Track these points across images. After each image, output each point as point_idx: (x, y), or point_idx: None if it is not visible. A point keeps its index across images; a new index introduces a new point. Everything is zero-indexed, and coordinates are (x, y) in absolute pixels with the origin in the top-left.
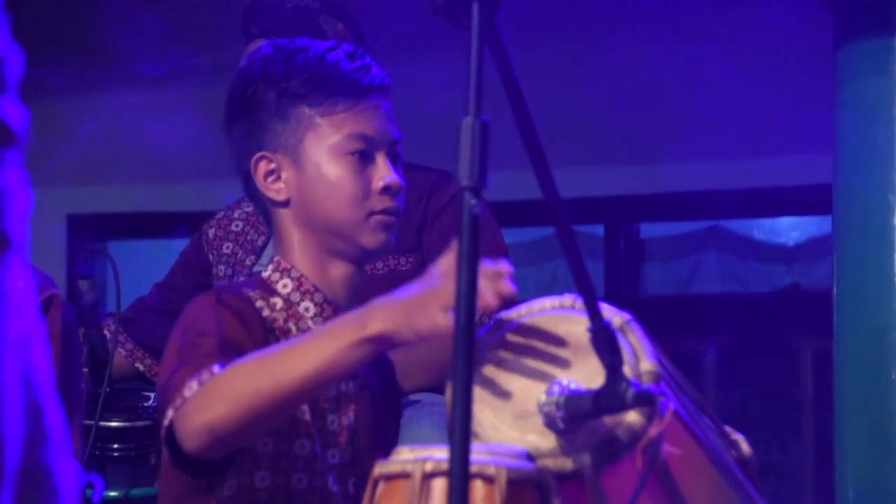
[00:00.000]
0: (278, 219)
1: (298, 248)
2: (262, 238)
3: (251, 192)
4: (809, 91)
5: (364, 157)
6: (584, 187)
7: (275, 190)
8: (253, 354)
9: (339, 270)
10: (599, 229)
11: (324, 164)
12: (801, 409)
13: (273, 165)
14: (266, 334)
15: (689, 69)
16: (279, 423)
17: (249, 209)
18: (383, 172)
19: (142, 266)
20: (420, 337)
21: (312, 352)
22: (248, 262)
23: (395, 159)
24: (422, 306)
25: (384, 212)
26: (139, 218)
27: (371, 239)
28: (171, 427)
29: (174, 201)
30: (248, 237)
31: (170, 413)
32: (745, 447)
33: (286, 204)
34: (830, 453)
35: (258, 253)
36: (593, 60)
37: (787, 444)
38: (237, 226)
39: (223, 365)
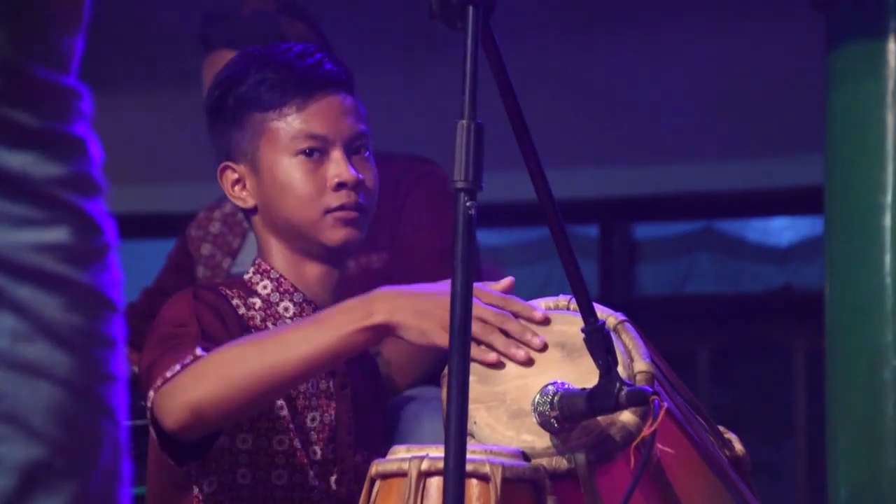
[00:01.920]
0: (253, 224)
1: (274, 251)
2: (238, 240)
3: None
4: (801, 93)
5: (317, 156)
6: (579, 188)
7: (241, 198)
8: (245, 337)
9: (314, 270)
10: (594, 230)
11: (276, 166)
12: (794, 408)
13: (236, 175)
14: (243, 331)
15: (682, 71)
16: (266, 405)
17: (227, 210)
18: (336, 169)
19: (131, 268)
20: (422, 341)
21: (312, 336)
22: (224, 265)
23: (358, 154)
24: (437, 318)
25: (341, 208)
26: (126, 219)
27: (331, 236)
28: (154, 410)
29: (162, 202)
30: (226, 239)
31: (151, 395)
32: (738, 446)
33: (255, 210)
34: (822, 452)
35: (234, 255)
36: (587, 62)
37: (779, 443)
38: (215, 227)
39: (205, 350)
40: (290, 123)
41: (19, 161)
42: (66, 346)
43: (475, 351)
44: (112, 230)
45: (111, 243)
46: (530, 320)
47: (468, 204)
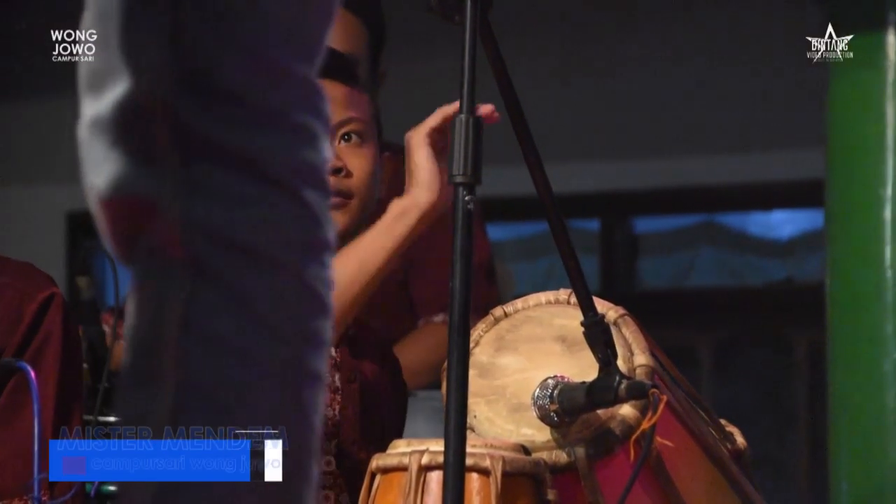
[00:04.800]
0: None
1: None
2: None
3: None
4: (802, 85)
5: None
6: (579, 182)
7: None
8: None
9: None
10: (595, 224)
11: None
12: (796, 401)
13: None
14: None
15: (682, 64)
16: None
17: None
18: None
19: None
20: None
21: (382, 244)
22: None
23: (348, 142)
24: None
25: None
26: None
27: None
28: None
29: None
30: None
31: None
32: (739, 439)
33: None
34: (824, 445)
35: None
36: (587, 57)
37: (781, 436)
38: None
39: None
40: None
41: (258, 143)
42: (280, 339)
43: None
44: (332, 230)
45: (330, 243)
46: None
47: (467, 198)
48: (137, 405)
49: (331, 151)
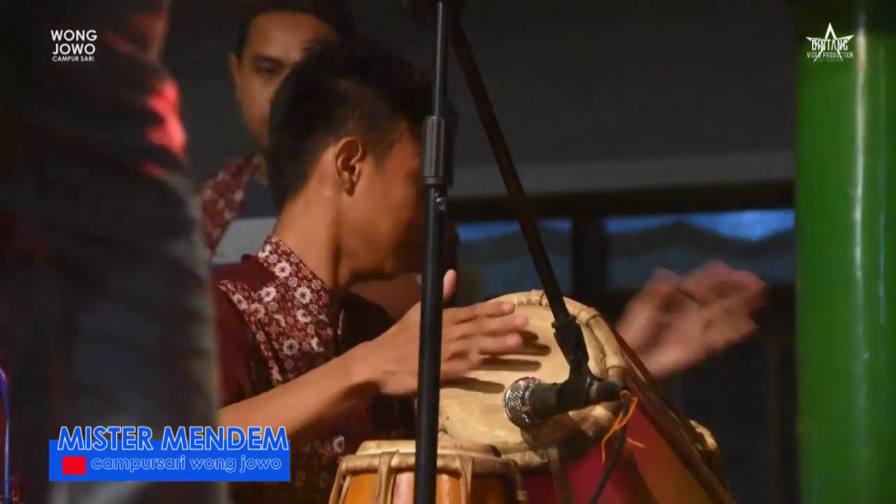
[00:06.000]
0: (312, 199)
1: (303, 232)
2: (218, 231)
3: (291, 166)
4: (773, 86)
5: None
6: (551, 183)
7: (349, 181)
8: (235, 406)
9: (342, 270)
10: (566, 225)
11: (398, 179)
12: (766, 402)
13: (358, 155)
14: (244, 328)
15: (653, 65)
16: None
17: (207, 197)
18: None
19: None
20: (408, 392)
21: (298, 406)
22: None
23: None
24: (411, 365)
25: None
26: None
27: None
28: None
29: None
30: (206, 229)
31: None
32: (710, 441)
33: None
34: (795, 447)
35: (213, 247)
36: (559, 58)
37: (752, 437)
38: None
39: None
40: (415, 151)
41: (101, 131)
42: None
43: (464, 365)
44: (195, 208)
45: (195, 221)
46: (501, 314)
47: (439, 200)
48: (30, 417)
49: (181, 133)
